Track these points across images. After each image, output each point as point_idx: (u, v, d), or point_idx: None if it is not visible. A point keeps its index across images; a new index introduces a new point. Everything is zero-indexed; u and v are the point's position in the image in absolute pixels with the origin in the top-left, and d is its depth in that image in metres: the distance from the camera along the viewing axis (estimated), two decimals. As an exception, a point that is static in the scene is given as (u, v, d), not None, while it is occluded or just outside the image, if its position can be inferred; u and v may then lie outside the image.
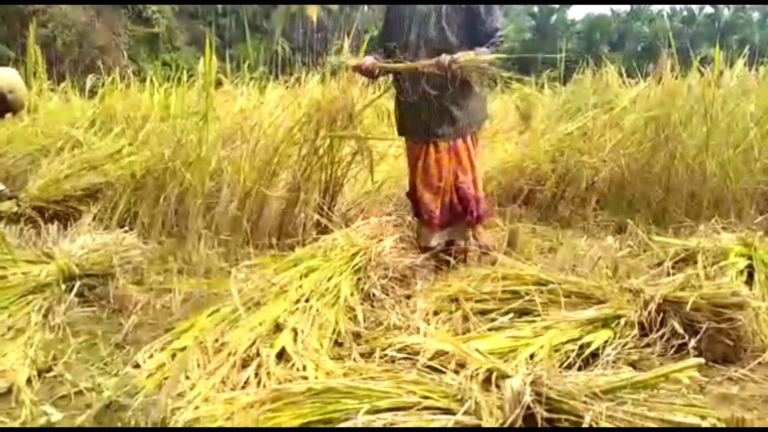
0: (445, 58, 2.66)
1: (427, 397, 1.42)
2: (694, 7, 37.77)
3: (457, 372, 1.61)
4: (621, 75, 5.03)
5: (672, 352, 2.01)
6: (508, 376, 1.45)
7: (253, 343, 1.87)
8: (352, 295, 2.28)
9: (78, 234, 2.72)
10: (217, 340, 1.89)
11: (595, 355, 1.95)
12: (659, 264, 2.72)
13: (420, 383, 1.50)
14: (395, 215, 3.24)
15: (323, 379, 1.69)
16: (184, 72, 4.28)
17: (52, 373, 1.84)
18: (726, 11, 36.85)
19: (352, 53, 3.22)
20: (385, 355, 1.89)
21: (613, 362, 1.91)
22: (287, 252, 2.71)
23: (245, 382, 1.72)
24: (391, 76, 3.04)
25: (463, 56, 2.67)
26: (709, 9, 37.49)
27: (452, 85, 2.71)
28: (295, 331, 1.97)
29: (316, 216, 3.29)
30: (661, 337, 2.05)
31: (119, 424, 1.57)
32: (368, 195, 3.88)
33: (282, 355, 1.86)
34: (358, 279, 2.38)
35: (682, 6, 38.37)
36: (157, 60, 20.64)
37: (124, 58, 18.05)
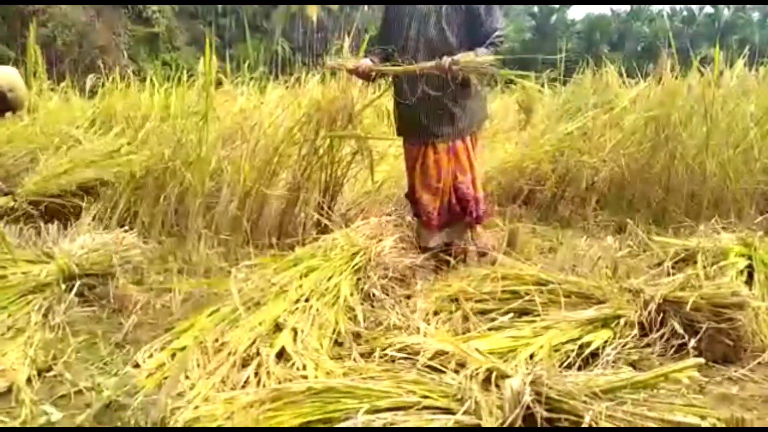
0: (445, 60, 2.65)
1: (426, 397, 1.42)
2: (694, 7, 37.86)
3: (457, 372, 1.61)
4: (621, 75, 5.03)
5: (672, 352, 2.01)
6: (507, 376, 1.45)
7: (253, 343, 1.87)
8: (352, 294, 2.28)
9: (78, 233, 2.72)
10: (217, 340, 1.90)
11: (594, 355, 1.95)
12: (659, 264, 2.72)
13: (420, 383, 1.50)
14: (395, 215, 3.24)
15: (323, 379, 1.69)
16: (184, 72, 4.28)
17: (52, 373, 1.84)
18: (726, 11, 36.88)
19: (352, 53, 3.23)
20: (385, 354, 1.89)
21: (613, 362, 1.91)
22: (287, 252, 2.71)
23: (245, 382, 1.72)
24: (390, 78, 3.03)
25: (464, 57, 2.65)
26: (709, 9, 37.55)
27: (452, 84, 2.71)
28: (295, 330, 1.97)
29: (316, 216, 3.30)
30: (661, 337, 2.05)
31: (119, 424, 1.57)
32: (368, 195, 3.89)
33: (282, 355, 1.87)
34: (358, 279, 2.38)
35: (682, 6, 38.45)
36: (157, 60, 20.65)
37: (124, 57, 18.06)
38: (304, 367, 1.80)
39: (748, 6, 35.69)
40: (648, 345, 2.04)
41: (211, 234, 3.12)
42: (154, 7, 21.73)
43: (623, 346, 1.99)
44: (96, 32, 18.91)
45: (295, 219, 3.40)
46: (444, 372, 1.65)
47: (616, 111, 4.47)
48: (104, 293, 2.44)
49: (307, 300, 2.13)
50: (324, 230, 3.05)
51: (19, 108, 3.37)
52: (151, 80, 4.92)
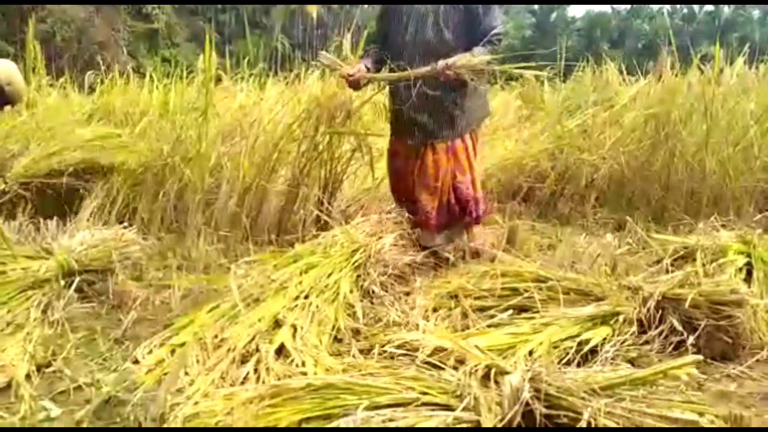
0: (440, 64, 2.61)
1: (426, 393, 1.43)
2: (695, 5, 37.82)
3: (456, 368, 1.61)
4: (621, 72, 5.04)
5: (670, 349, 2.01)
6: (507, 373, 1.46)
7: (253, 339, 1.87)
8: (351, 291, 2.28)
9: (77, 229, 2.72)
10: (216, 336, 1.89)
11: (593, 351, 1.95)
12: (658, 261, 2.73)
13: (419, 379, 1.50)
14: (395, 212, 3.23)
15: (322, 375, 1.69)
16: (184, 68, 4.27)
17: (51, 369, 1.84)
18: (726, 9, 36.86)
19: (353, 51, 3.22)
20: (384, 351, 1.89)
21: (612, 359, 1.91)
22: (287, 248, 2.71)
23: (244, 378, 1.72)
24: (382, 83, 3.00)
25: (459, 60, 2.62)
26: (709, 7, 37.53)
27: (450, 87, 2.69)
28: (294, 327, 1.97)
29: (316, 212, 3.29)
30: (660, 334, 2.05)
31: (118, 420, 1.57)
32: (368, 192, 3.88)
33: (281, 351, 1.87)
34: (358, 276, 2.38)
35: (683, 4, 38.39)
36: (157, 56, 20.62)
37: (124, 54, 18.05)
38: (304, 364, 1.80)
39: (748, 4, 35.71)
40: (647, 342, 2.04)
41: (210, 230, 3.12)
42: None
43: (622, 343, 1.99)
44: (95, 28, 18.88)
45: (294, 216, 3.40)
46: (443, 368, 1.65)
47: (616, 108, 4.47)
48: (103, 289, 2.44)
49: (306, 297, 2.13)
50: (323, 227, 3.05)
51: (17, 101, 3.35)
52: (151, 76, 4.91)
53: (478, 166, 3.08)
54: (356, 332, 2.10)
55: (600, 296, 2.23)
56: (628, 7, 39.19)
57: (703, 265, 2.50)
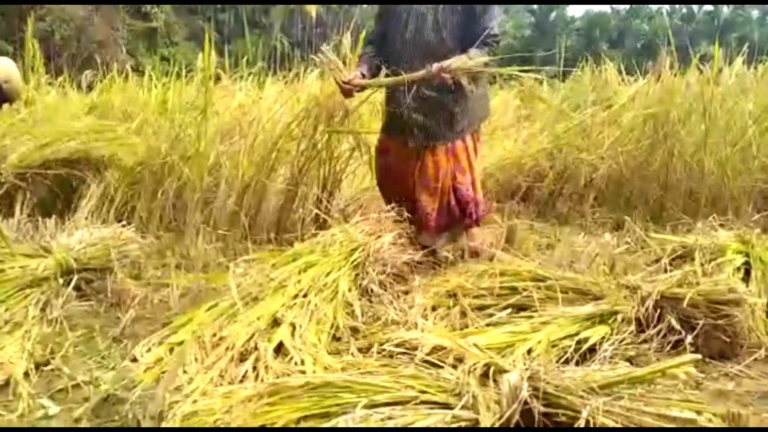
0: (435, 67, 2.58)
1: (424, 392, 1.43)
2: (694, 5, 37.86)
3: (454, 367, 1.62)
4: (620, 72, 5.04)
5: (669, 348, 2.01)
6: (505, 371, 1.46)
7: (251, 338, 1.87)
8: (350, 290, 2.28)
9: (76, 228, 2.71)
10: (215, 335, 1.89)
11: (592, 350, 1.96)
12: (656, 261, 2.73)
13: (418, 378, 1.50)
14: (394, 211, 3.23)
15: (321, 374, 1.70)
16: (183, 67, 4.27)
17: (49, 367, 1.83)
18: (725, 9, 36.91)
19: (352, 50, 3.22)
20: (383, 349, 1.89)
21: (610, 358, 1.91)
22: (286, 247, 2.71)
23: (243, 376, 1.72)
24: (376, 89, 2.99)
25: (455, 62, 2.58)
26: (708, 7, 37.57)
27: (447, 89, 2.68)
28: (293, 325, 1.97)
29: (315, 211, 3.30)
30: (658, 333, 2.05)
31: (117, 418, 1.57)
32: (367, 191, 3.88)
33: (280, 350, 1.87)
34: (357, 274, 2.38)
35: (682, 4, 38.43)
36: (156, 55, 20.59)
37: (123, 52, 18.02)
38: (302, 362, 1.80)
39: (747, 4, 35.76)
40: (645, 341, 2.05)
41: (209, 229, 3.12)
42: (153, 2, 21.69)
43: (620, 341, 2.00)
44: (94, 27, 18.83)
45: (293, 214, 3.40)
46: (442, 367, 1.65)
47: (615, 108, 4.47)
48: (102, 288, 2.44)
49: (305, 295, 2.13)
50: (322, 226, 3.05)
51: (15, 99, 3.35)
52: (150, 75, 4.91)
53: (478, 167, 3.07)
54: (355, 331, 2.10)
55: (598, 295, 2.24)
56: (628, 7, 39.31)
57: (702, 264, 2.50)
